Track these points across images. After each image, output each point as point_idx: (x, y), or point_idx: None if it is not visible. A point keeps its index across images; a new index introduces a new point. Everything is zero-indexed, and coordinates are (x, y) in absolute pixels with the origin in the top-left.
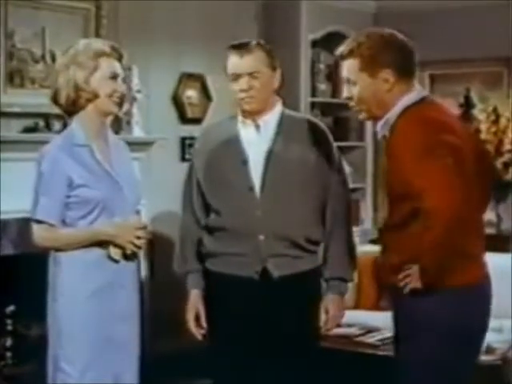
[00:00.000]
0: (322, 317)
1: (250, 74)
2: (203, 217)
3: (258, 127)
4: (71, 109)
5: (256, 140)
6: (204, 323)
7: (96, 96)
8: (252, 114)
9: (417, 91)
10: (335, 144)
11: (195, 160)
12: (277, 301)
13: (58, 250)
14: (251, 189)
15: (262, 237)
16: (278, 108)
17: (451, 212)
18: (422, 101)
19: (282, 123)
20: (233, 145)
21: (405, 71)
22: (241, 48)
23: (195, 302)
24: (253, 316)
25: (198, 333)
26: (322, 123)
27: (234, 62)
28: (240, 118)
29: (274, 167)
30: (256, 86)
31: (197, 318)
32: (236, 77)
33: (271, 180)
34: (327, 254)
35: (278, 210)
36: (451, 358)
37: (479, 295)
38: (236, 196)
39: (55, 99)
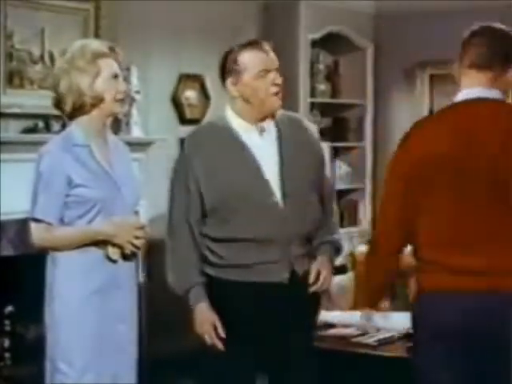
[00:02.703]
0: (314, 277)
1: (277, 70)
2: (199, 229)
3: (262, 131)
4: (76, 114)
5: (261, 145)
6: (223, 333)
7: (101, 100)
8: (272, 114)
9: (466, 92)
10: (334, 144)
11: (191, 169)
12: (298, 299)
13: (55, 249)
14: (271, 195)
15: (287, 242)
16: None
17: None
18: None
19: (279, 124)
20: (239, 151)
21: (464, 65)
22: (262, 44)
23: (208, 314)
24: (275, 317)
25: (219, 343)
26: (321, 123)
27: (262, 57)
28: (238, 120)
29: (287, 171)
30: (281, 81)
31: (214, 329)
32: (265, 73)
33: (288, 184)
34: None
35: (299, 213)
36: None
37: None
38: (256, 205)
39: (59, 105)
